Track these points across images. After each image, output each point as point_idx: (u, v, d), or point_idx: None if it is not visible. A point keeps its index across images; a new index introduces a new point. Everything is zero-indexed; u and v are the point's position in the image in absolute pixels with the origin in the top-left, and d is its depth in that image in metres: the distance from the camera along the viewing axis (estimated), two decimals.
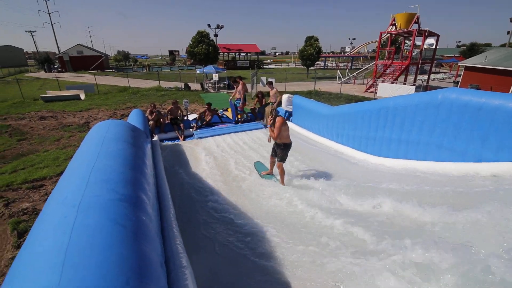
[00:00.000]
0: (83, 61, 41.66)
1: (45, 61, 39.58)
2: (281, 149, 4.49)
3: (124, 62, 56.70)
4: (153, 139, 6.87)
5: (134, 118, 5.82)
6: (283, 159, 4.51)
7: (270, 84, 9.35)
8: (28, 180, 5.70)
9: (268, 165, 5.20)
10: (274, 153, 4.75)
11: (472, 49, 36.99)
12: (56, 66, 42.61)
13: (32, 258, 1.09)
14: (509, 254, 1.87)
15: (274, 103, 9.02)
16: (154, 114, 7.66)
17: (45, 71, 38.70)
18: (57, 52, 49.17)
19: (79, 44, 43.20)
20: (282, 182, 4.57)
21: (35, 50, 63.77)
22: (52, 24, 52.13)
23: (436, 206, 2.96)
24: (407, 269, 2.02)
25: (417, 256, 2.07)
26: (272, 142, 4.77)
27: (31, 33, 58.54)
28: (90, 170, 1.72)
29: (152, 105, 7.89)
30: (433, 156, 4.90)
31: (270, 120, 4.45)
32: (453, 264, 1.87)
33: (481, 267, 1.76)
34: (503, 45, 40.65)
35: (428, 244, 2.11)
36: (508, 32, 35.32)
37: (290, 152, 6.43)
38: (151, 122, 7.47)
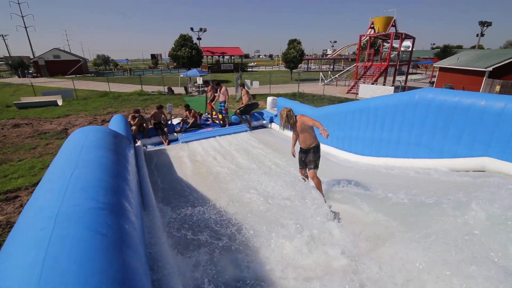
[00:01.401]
0: (60, 65, 40.04)
1: (19, 66, 37.67)
2: (314, 153, 3.76)
3: (104, 66, 55.04)
4: (136, 145, 6.70)
5: (115, 123, 5.66)
6: (317, 165, 3.77)
7: (242, 85, 9.42)
8: (1, 191, 5.38)
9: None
10: (304, 164, 3.98)
11: (445, 51, 38.91)
12: (30, 71, 40.67)
13: (6, 274, 1.03)
14: None
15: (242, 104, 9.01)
16: (137, 119, 7.48)
17: (19, 77, 36.85)
18: (31, 57, 46.98)
19: (56, 48, 41.51)
20: (322, 193, 3.82)
21: (8, 55, 60.58)
22: (26, 28, 49.83)
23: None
24: None
25: None
26: (297, 155, 4.03)
27: (3, 37, 55.62)
28: (68, 179, 1.65)
29: (134, 110, 7.72)
30: (413, 154, 5.09)
31: (286, 125, 3.67)
32: None
33: None
34: (473, 47, 43.11)
35: None
36: (477, 35, 37.48)
37: (275, 154, 6.51)
38: (133, 127, 7.29)
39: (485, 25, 36.05)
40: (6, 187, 5.54)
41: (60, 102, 16.02)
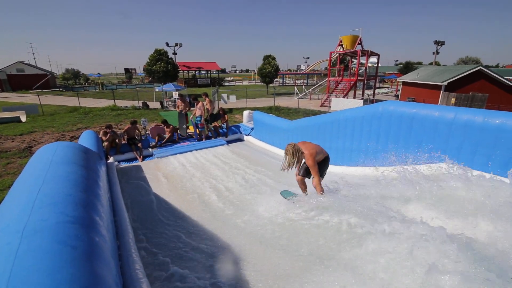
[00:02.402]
0: (24, 80, 37.83)
1: None
2: (321, 166, 3.72)
3: (74, 81, 52.75)
4: (108, 161, 6.47)
5: (85, 139, 5.46)
6: (323, 176, 3.75)
7: (205, 95, 9.38)
8: None
9: (297, 190, 4.15)
10: (305, 172, 3.89)
11: (407, 67, 42.27)
12: None
13: None
14: None
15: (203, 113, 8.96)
16: (109, 134, 7.26)
17: None
18: None
19: (20, 62, 39.28)
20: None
21: None
22: None
23: None
24: None
25: None
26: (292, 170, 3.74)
27: None
28: (36, 195, 1.60)
29: (105, 125, 7.50)
30: (381, 162, 5.43)
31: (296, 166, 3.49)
32: None
33: None
34: (431, 63, 47.32)
35: None
36: (433, 52, 41.30)
37: (252, 166, 6.59)
38: (105, 143, 7.05)
39: (439, 44, 39.90)
40: None
41: (23, 118, 15.03)
